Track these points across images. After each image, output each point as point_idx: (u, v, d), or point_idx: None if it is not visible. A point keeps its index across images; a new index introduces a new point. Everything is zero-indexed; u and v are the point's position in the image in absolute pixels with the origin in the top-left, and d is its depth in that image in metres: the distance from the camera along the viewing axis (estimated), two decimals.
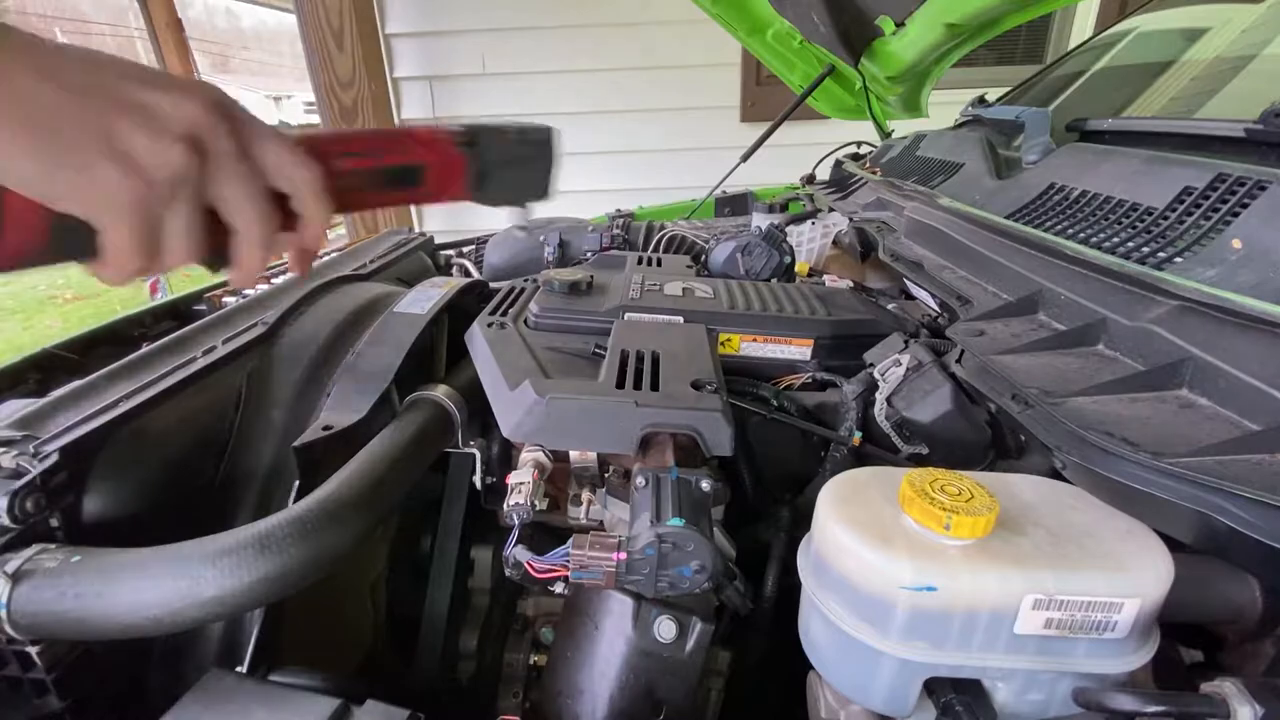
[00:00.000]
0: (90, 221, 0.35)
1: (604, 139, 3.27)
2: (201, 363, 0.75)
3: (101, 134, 0.33)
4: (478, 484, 0.83)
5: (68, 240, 0.36)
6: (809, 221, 1.37)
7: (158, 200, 0.35)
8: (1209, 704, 0.40)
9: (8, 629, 0.49)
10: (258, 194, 0.38)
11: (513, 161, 0.55)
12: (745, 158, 2.04)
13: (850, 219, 1.31)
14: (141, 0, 3.61)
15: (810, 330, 0.90)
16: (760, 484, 0.86)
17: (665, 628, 0.61)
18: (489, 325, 0.88)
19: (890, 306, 1.00)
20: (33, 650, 0.53)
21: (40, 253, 0.37)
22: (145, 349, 0.78)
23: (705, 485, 0.63)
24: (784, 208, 1.64)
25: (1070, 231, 0.80)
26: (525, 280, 1.08)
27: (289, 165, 0.39)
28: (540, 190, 0.60)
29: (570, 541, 0.58)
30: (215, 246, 0.39)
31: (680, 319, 0.91)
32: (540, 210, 1.01)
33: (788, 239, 1.27)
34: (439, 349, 0.98)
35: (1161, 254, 0.68)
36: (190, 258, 0.37)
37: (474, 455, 0.82)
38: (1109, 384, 0.57)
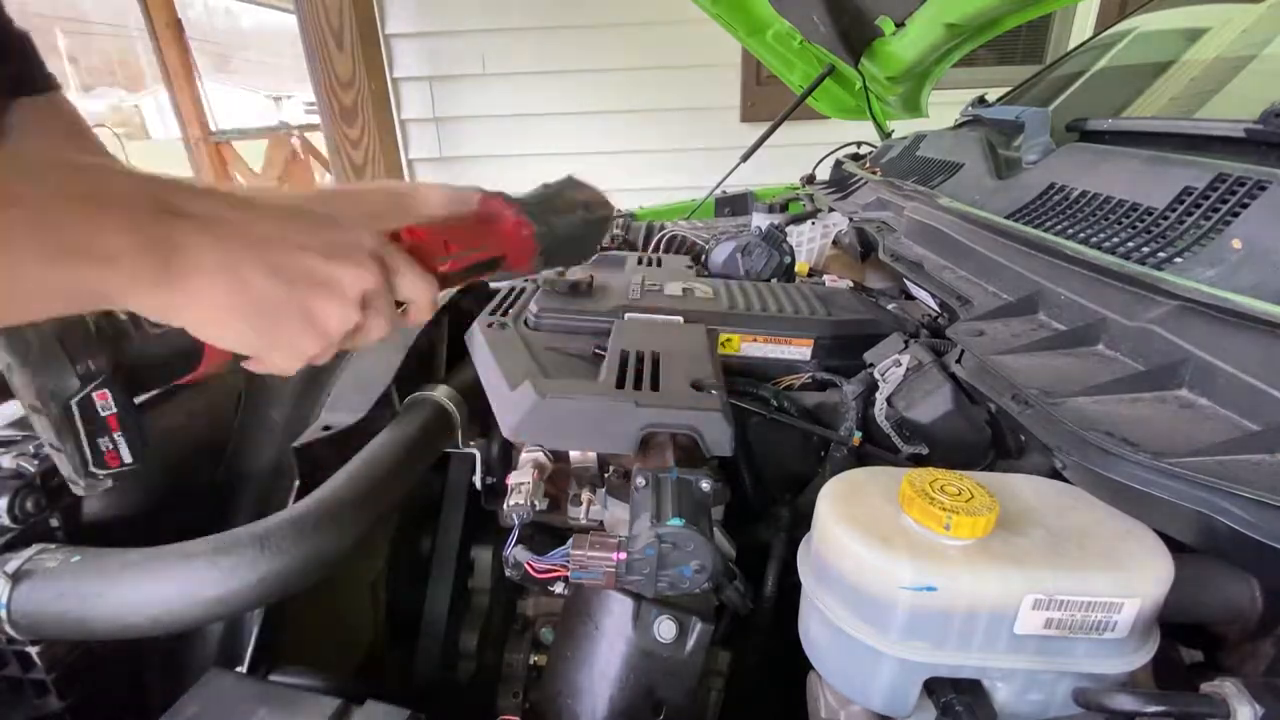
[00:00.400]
0: (255, 353, 0.42)
1: (604, 139, 3.27)
2: None
3: (303, 312, 0.41)
4: (478, 484, 0.83)
5: (239, 359, 0.44)
6: (809, 221, 1.37)
7: (333, 345, 0.43)
8: (1209, 704, 0.40)
9: (8, 629, 0.49)
10: (392, 313, 0.46)
11: (574, 236, 0.60)
12: (745, 158, 2.04)
13: (850, 219, 1.31)
14: (142, 0, 3.62)
15: (810, 330, 0.90)
16: (760, 484, 0.86)
17: (665, 628, 0.61)
18: (489, 325, 0.88)
19: (890, 306, 1.00)
20: (33, 650, 0.53)
21: (218, 374, 0.46)
22: None
23: (705, 485, 0.63)
24: (784, 208, 1.64)
25: (1070, 231, 0.80)
26: (525, 280, 1.07)
27: (414, 287, 0.47)
28: (588, 255, 0.67)
29: (570, 541, 0.58)
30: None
31: (680, 319, 0.91)
32: None
33: (788, 239, 1.27)
34: (439, 349, 0.98)
35: (1161, 254, 0.68)
36: (326, 356, 0.45)
37: (474, 455, 0.82)
38: (1109, 384, 0.57)
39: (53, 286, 0.32)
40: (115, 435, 0.43)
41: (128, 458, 0.44)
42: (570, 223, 0.59)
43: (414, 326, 0.51)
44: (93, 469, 0.43)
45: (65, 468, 0.43)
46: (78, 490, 0.44)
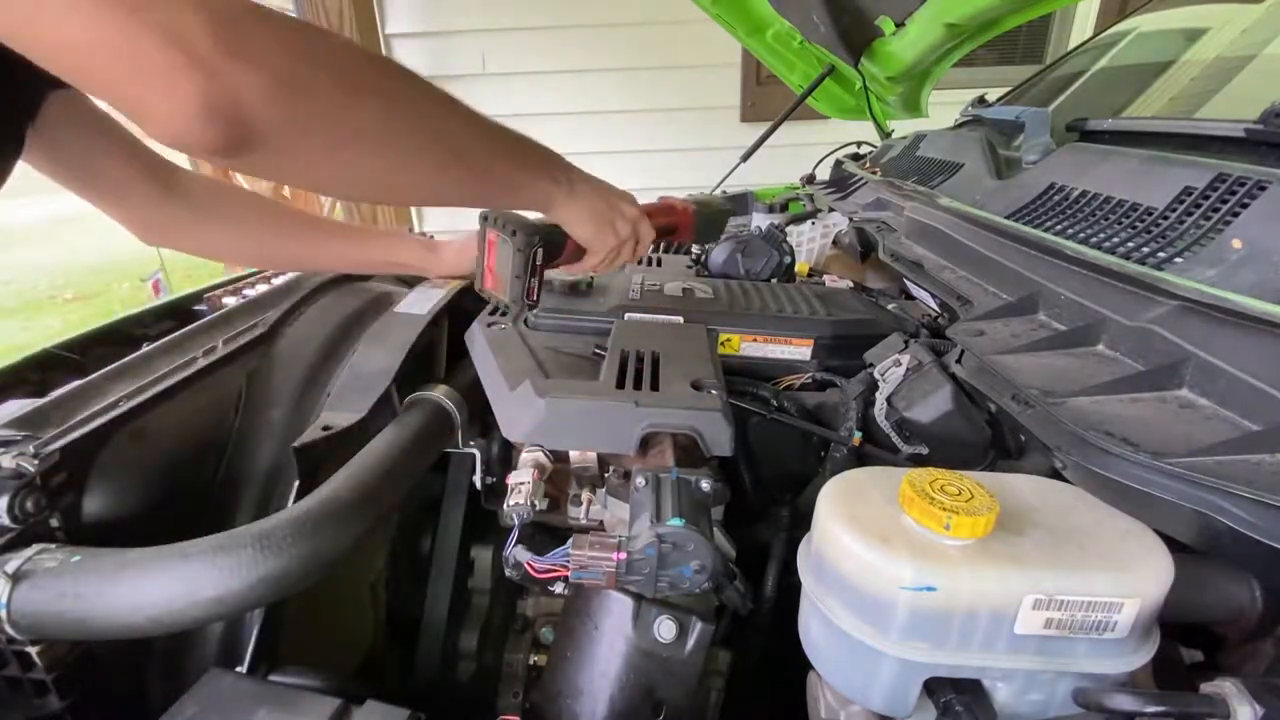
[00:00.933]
0: (590, 249, 0.79)
1: (604, 139, 3.27)
2: (202, 363, 0.75)
3: (610, 224, 0.77)
4: (478, 484, 0.83)
5: (577, 252, 0.79)
6: (809, 221, 1.37)
7: (620, 245, 0.79)
8: (1209, 704, 0.40)
9: (8, 629, 0.49)
10: (646, 238, 0.83)
11: (713, 220, 0.97)
12: (745, 158, 2.04)
13: (850, 219, 1.30)
14: None
15: (810, 330, 0.90)
16: (760, 484, 0.86)
17: (665, 628, 0.61)
18: (489, 325, 0.88)
19: (890, 306, 1.00)
20: (33, 650, 0.53)
21: (566, 259, 0.80)
22: (145, 349, 0.78)
23: (705, 485, 0.63)
24: (784, 208, 1.64)
25: (1070, 231, 0.80)
26: None
27: (648, 231, 0.83)
28: (718, 236, 1.08)
29: (570, 541, 0.58)
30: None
31: (680, 319, 0.91)
32: None
33: (788, 239, 1.27)
34: (439, 349, 0.98)
35: (1161, 254, 0.68)
36: (615, 266, 0.83)
37: (474, 455, 0.82)
38: (1109, 384, 0.57)
39: (521, 202, 0.71)
40: (533, 280, 0.75)
41: (534, 297, 0.76)
42: (710, 212, 0.96)
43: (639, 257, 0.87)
44: (525, 299, 0.75)
45: (513, 293, 0.74)
46: (513, 312, 0.77)
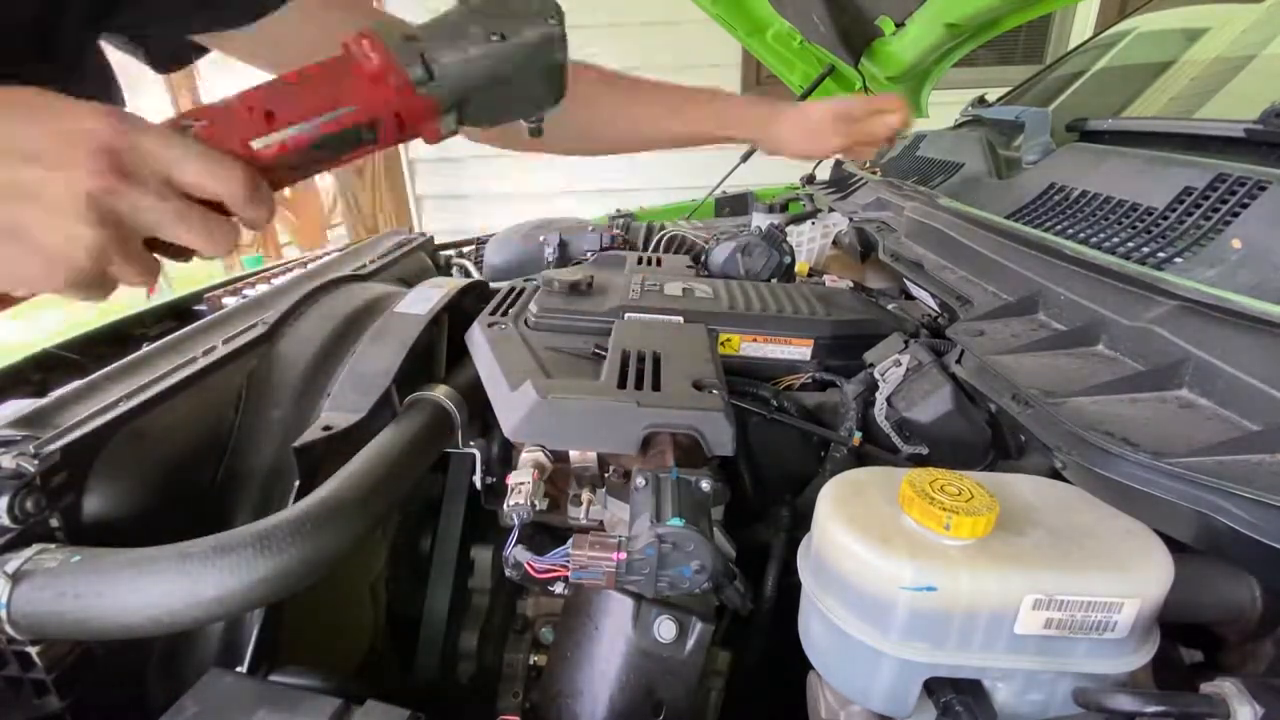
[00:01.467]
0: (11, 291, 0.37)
1: None
2: (202, 363, 0.75)
3: (10, 229, 0.33)
4: (478, 484, 0.83)
5: None
6: (809, 221, 1.38)
7: (83, 271, 0.35)
8: (1209, 704, 0.40)
9: (8, 629, 0.49)
10: (188, 213, 0.37)
11: (497, 80, 0.43)
12: (745, 158, 2.04)
13: (850, 219, 1.31)
14: None
15: (810, 330, 0.90)
16: (760, 484, 0.86)
17: (665, 628, 0.61)
18: (489, 325, 0.88)
19: (890, 306, 1.00)
20: (33, 650, 0.53)
21: None
22: (145, 349, 0.78)
23: (705, 485, 0.63)
24: (784, 208, 1.65)
25: (1070, 231, 0.80)
26: (525, 280, 1.07)
27: (212, 180, 0.38)
28: (546, 100, 0.50)
29: (570, 541, 0.58)
30: (174, 251, 0.40)
31: (680, 319, 0.91)
32: (540, 211, 1.02)
33: (788, 239, 1.27)
34: (439, 349, 0.98)
35: (1161, 254, 0.68)
36: (144, 279, 0.38)
37: (474, 455, 0.82)
38: (1109, 384, 0.57)
39: None
40: None
41: None
42: (476, 66, 0.40)
43: (261, 228, 0.42)
44: None
45: None
46: None
